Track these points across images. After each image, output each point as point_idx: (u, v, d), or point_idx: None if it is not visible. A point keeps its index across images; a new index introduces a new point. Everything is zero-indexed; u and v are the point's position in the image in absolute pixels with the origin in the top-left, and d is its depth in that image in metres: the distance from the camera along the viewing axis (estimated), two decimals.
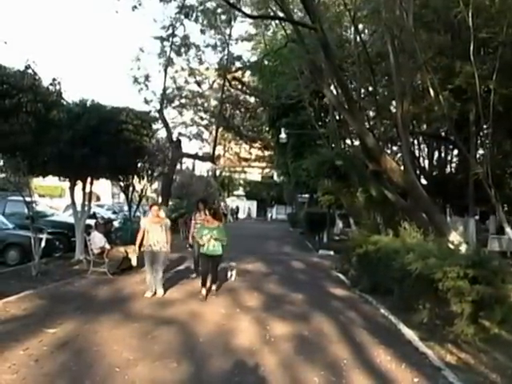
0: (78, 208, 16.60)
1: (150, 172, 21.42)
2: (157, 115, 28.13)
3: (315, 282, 14.32)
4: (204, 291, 10.90)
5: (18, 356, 6.43)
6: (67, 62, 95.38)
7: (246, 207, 70.45)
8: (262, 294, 11.62)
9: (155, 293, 11.01)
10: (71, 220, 17.36)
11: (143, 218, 14.51)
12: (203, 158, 42.01)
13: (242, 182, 71.32)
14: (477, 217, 25.75)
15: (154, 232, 10.98)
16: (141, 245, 11.12)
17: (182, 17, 29.55)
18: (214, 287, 11.54)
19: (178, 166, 36.50)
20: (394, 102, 18.64)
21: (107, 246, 13.94)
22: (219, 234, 11.06)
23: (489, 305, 7.58)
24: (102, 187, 36.81)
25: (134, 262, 13.71)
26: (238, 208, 65.83)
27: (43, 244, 13.50)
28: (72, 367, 6.14)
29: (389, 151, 24.82)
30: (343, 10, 20.07)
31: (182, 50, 32.01)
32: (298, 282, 13.98)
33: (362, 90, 22.19)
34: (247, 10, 27.24)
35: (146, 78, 31.75)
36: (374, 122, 21.35)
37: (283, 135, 27.33)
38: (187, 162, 47.12)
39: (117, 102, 17.10)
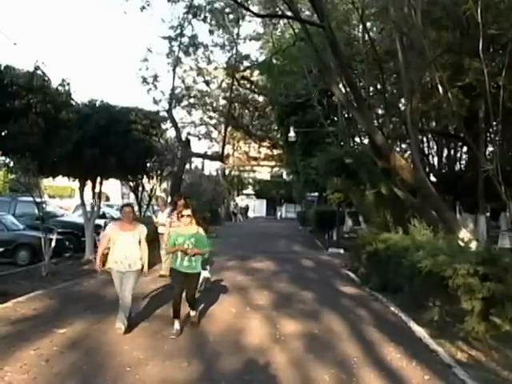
0: (88, 208, 16.68)
1: (159, 172, 21.47)
2: (166, 115, 28.18)
3: (325, 280, 14.32)
4: (177, 324, 7.85)
5: (29, 356, 6.48)
6: (76, 63, 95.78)
7: (255, 206, 70.42)
8: (271, 293, 11.64)
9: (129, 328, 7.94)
10: (81, 220, 17.46)
11: (155, 217, 14.50)
12: (212, 158, 42.05)
13: (251, 180, 71.31)
14: (487, 214, 25.60)
15: (123, 243, 7.93)
16: (104, 261, 8.10)
17: (190, 16, 29.57)
18: (193, 314, 8.48)
19: (187, 166, 36.57)
20: (402, 100, 18.57)
21: None
22: (199, 242, 8.08)
23: (500, 302, 7.55)
24: (112, 187, 36.89)
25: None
26: (247, 207, 65.89)
27: (53, 244, 13.59)
28: (82, 367, 6.18)
29: (398, 149, 24.68)
30: (351, 8, 20.00)
31: (191, 49, 31.99)
32: (308, 280, 13.99)
33: (371, 88, 22.11)
34: (255, 9, 27.20)
35: (155, 78, 31.74)
36: (382, 119, 21.21)
37: (292, 134, 27.27)
38: (196, 162, 47.26)
39: (126, 102, 17.23)
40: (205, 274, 10.76)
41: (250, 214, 65.22)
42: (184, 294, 8.07)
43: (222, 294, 11.14)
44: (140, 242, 8.13)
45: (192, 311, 8.53)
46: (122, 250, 7.95)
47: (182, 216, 8.54)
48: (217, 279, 12.76)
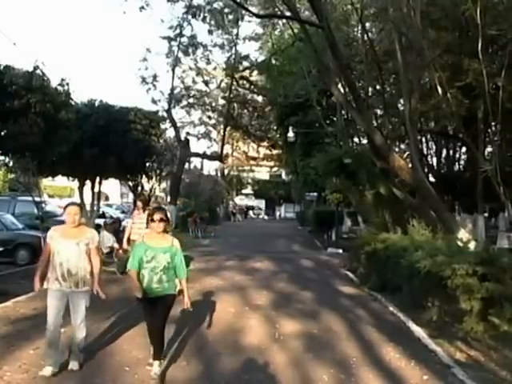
0: (87, 208, 16.68)
1: (158, 171, 21.50)
2: (165, 115, 28.22)
3: (324, 280, 14.33)
4: (157, 368, 5.86)
5: (28, 355, 6.48)
6: (76, 63, 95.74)
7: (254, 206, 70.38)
8: (271, 292, 11.64)
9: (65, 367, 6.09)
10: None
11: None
12: (211, 157, 42.07)
13: (250, 180, 71.30)
14: (486, 214, 25.63)
15: (65, 255, 6.00)
16: (43, 276, 6.14)
17: (190, 17, 29.62)
18: (155, 365, 5.90)
19: (186, 166, 36.61)
20: (401, 100, 18.58)
21: (116, 246, 13.98)
22: (175, 261, 6.11)
23: (498, 302, 7.58)
24: (111, 187, 36.94)
25: None
26: (247, 207, 65.88)
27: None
28: (81, 366, 6.17)
29: (397, 149, 24.72)
30: (350, 8, 20.03)
31: (190, 49, 32.06)
32: (307, 280, 13.99)
33: (370, 89, 22.13)
34: (254, 10, 27.23)
35: (154, 77, 31.81)
36: (381, 120, 21.26)
37: (291, 134, 27.33)
38: (195, 162, 47.26)
39: (125, 102, 17.23)
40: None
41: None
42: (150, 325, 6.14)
43: (220, 294, 11.14)
44: (90, 252, 6.19)
45: (154, 360, 5.98)
46: (65, 264, 5.97)
47: (153, 221, 6.01)
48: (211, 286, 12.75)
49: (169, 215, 13.74)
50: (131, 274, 6.06)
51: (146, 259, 5.92)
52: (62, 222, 6.60)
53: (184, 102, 36.56)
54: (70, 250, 6.04)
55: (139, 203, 11.49)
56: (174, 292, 6.23)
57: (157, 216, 6.03)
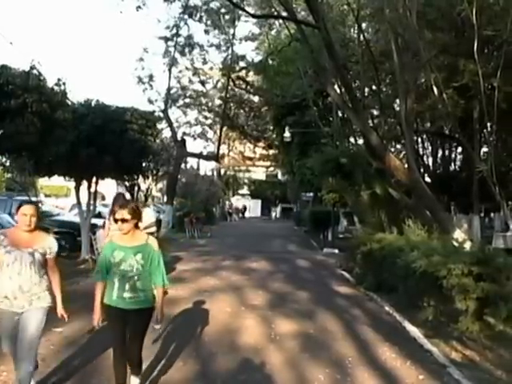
0: (84, 207, 16.66)
1: (154, 171, 21.49)
2: (161, 115, 28.23)
3: (320, 280, 14.35)
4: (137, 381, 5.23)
5: None
6: (72, 63, 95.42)
7: (250, 206, 70.33)
8: (267, 292, 11.65)
9: None
10: (77, 219, 17.42)
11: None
12: (207, 157, 42.11)
13: (246, 180, 71.31)
14: (482, 214, 25.73)
15: (16, 268, 4.79)
16: None
17: (186, 17, 29.63)
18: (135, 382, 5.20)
19: (183, 166, 36.61)
20: (397, 101, 18.63)
21: None
22: (150, 263, 5.03)
23: (493, 302, 7.60)
24: (108, 187, 36.87)
25: None
26: (245, 207, 65.90)
27: None
28: (78, 366, 6.18)
29: (393, 149, 24.81)
30: (347, 9, 20.08)
31: (186, 49, 32.07)
32: (303, 280, 14.01)
33: (366, 89, 22.21)
34: (251, 10, 27.27)
35: (151, 77, 31.81)
36: (377, 120, 21.30)
37: (287, 134, 27.37)
38: (192, 162, 47.22)
39: (121, 102, 17.21)
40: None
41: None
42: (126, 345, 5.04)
43: (217, 294, 11.15)
44: (46, 264, 5.02)
45: (134, 377, 5.21)
46: (16, 279, 4.77)
47: (116, 221, 5.06)
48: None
49: (150, 214, 12.84)
50: (96, 289, 4.99)
51: (114, 261, 4.88)
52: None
53: (180, 102, 36.59)
54: (21, 263, 4.78)
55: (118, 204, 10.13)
56: (151, 305, 5.06)
57: (118, 215, 4.96)
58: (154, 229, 12.68)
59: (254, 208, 69.98)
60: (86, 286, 11.64)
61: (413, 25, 13.27)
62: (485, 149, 21.10)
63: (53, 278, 5.11)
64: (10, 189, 22.04)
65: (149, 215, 12.97)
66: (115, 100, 71.93)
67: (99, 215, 21.07)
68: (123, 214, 4.97)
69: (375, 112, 23.20)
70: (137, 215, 5.13)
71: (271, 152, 52.25)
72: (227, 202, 59.75)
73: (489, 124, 15.73)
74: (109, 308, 4.95)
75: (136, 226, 5.12)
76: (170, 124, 31.76)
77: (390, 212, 16.28)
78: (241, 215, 63.08)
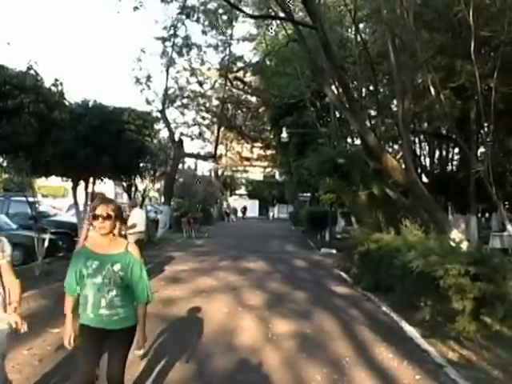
0: (81, 208, 16.66)
1: (152, 172, 21.50)
2: (159, 115, 28.20)
3: (317, 280, 14.36)
4: None
5: (22, 356, 6.46)
6: (69, 63, 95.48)
7: (247, 206, 70.39)
8: (264, 293, 11.66)
9: None
10: (74, 220, 17.43)
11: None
12: (205, 158, 42.13)
13: (243, 181, 71.33)
14: (479, 214, 25.77)
15: None
16: None
17: (184, 17, 29.62)
18: None
19: (180, 166, 36.60)
20: (395, 101, 18.66)
21: None
22: (130, 276, 4.23)
23: (490, 302, 7.62)
24: (105, 187, 36.85)
25: None
26: (245, 208, 65.88)
27: (46, 244, 13.55)
28: (75, 367, 6.17)
29: (390, 150, 24.85)
30: (344, 9, 20.09)
31: (184, 50, 32.06)
32: (301, 280, 14.02)
33: (363, 90, 22.21)
34: (248, 10, 27.29)
35: (148, 78, 31.80)
36: (375, 120, 21.34)
37: (285, 134, 27.42)
38: (189, 162, 47.24)
39: (119, 103, 17.29)
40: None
41: (239, 214, 64.96)
42: (105, 372, 4.30)
43: (214, 294, 11.15)
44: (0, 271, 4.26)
45: None
46: None
47: (96, 217, 4.20)
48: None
49: (137, 215, 12.72)
50: (65, 303, 4.33)
51: (87, 272, 4.09)
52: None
53: (178, 103, 36.55)
54: None
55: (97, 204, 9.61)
56: (133, 324, 4.30)
57: (100, 210, 4.18)
58: (138, 229, 12.57)
59: (251, 208, 69.99)
60: None
61: (410, 25, 13.29)
62: (482, 149, 21.15)
63: (10, 285, 4.33)
64: (7, 189, 22.02)
65: (133, 216, 12.95)
66: (113, 100, 71.99)
67: None
68: (107, 209, 4.18)
69: (372, 112, 23.24)
70: (122, 216, 4.39)
71: (269, 152, 52.28)
72: (224, 203, 59.77)
73: (486, 124, 15.76)
74: (84, 328, 4.19)
75: (121, 235, 4.35)
76: (168, 124, 31.76)
77: (388, 212, 16.30)
78: (241, 215, 63.17)
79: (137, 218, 12.65)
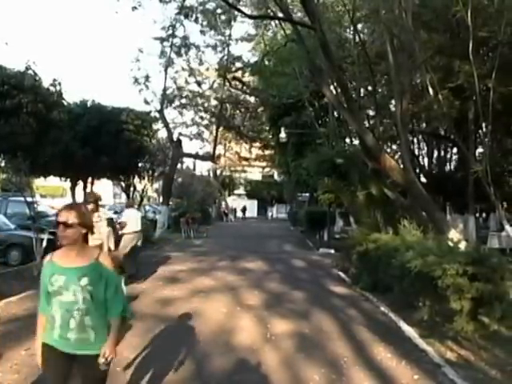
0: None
1: (150, 172, 21.53)
2: (157, 115, 28.17)
3: (316, 280, 14.36)
4: None
5: (20, 356, 6.45)
6: (68, 63, 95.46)
7: (246, 206, 70.52)
8: (262, 293, 11.66)
9: None
10: None
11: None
12: (204, 158, 42.09)
13: (242, 181, 71.36)
14: (477, 214, 25.82)
15: None
16: None
17: (182, 17, 29.57)
18: None
19: (179, 166, 36.58)
20: (393, 101, 18.68)
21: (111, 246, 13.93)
22: (102, 288, 3.60)
23: (488, 302, 7.63)
24: (103, 187, 36.88)
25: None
26: (245, 208, 65.89)
27: (45, 244, 13.55)
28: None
29: (388, 150, 24.89)
30: (342, 9, 20.11)
31: (182, 50, 31.99)
32: (299, 280, 14.02)
33: (362, 90, 22.22)
34: (247, 11, 27.27)
35: (147, 78, 31.71)
36: (373, 120, 21.38)
37: (283, 134, 27.44)
38: (188, 162, 47.25)
39: (117, 103, 17.35)
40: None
41: (239, 214, 64.98)
42: None
43: (213, 294, 11.15)
44: None
45: None
46: None
47: (57, 224, 3.59)
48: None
49: (128, 215, 12.61)
50: (38, 321, 3.85)
51: (52, 289, 3.53)
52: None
53: (176, 103, 36.49)
54: None
55: (91, 205, 9.53)
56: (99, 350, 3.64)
57: (61, 217, 3.56)
58: (130, 228, 12.59)
59: (250, 208, 70.01)
60: None
61: (408, 26, 13.30)
62: (480, 149, 21.20)
63: None
64: (5, 189, 22.00)
65: (124, 215, 12.97)
66: (111, 100, 71.94)
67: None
68: (69, 215, 3.55)
69: (371, 112, 23.29)
70: (87, 222, 3.67)
71: (267, 152, 52.34)
72: (223, 203, 59.77)
73: (484, 125, 15.78)
74: (48, 349, 3.65)
75: (85, 240, 3.69)
76: (166, 124, 31.71)
77: (386, 212, 16.31)
78: (242, 215, 63.23)
79: (127, 217, 12.75)
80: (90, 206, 9.41)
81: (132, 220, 12.91)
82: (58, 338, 3.58)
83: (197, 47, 32.83)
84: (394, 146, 26.91)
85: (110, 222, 16.99)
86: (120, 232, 12.42)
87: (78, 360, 3.62)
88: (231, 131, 46.23)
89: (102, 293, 3.57)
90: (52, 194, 38.89)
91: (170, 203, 32.89)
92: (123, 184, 21.65)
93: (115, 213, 30.37)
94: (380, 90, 22.41)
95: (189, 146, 62.24)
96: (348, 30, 22.62)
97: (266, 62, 28.76)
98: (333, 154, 19.00)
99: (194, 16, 29.58)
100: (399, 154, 22.76)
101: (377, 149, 14.58)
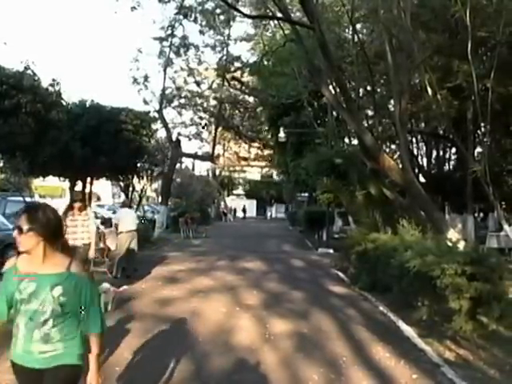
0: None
1: (149, 172, 21.52)
2: (156, 115, 28.17)
3: (315, 279, 14.37)
4: None
5: None
6: (67, 63, 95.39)
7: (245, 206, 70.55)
8: (261, 292, 11.66)
9: None
10: None
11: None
12: (203, 158, 42.09)
13: (241, 181, 71.37)
14: (476, 214, 25.84)
15: None
16: None
17: (181, 17, 29.57)
18: None
19: (178, 166, 36.59)
20: (392, 101, 18.69)
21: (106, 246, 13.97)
22: (76, 299, 3.14)
23: (487, 301, 7.62)
24: (103, 187, 36.82)
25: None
26: (244, 208, 65.93)
27: None
28: None
29: (387, 150, 24.89)
30: (341, 9, 20.11)
31: (181, 50, 31.99)
32: (298, 280, 14.03)
33: (361, 90, 22.23)
34: (246, 11, 27.30)
35: (145, 78, 31.70)
36: (372, 120, 21.38)
37: (282, 134, 27.43)
38: (187, 162, 47.23)
39: (116, 103, 17.34)
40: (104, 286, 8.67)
41: (240, 214, 65.01)
42: None
43: (211, 294, 11.16)
44: None
45: None
46: None
47: (20, 230, 3.13)
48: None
49: (119, 215, 13.15)
50: None
51: (21, 297, 3.07)
52: None
53: (175, 103, 36.50)
54: None
55: (77, 204, 9.57)
56: (77, 362, 3.25)
57: (18, 221, 3.15)
58: (122, 228, 12.65)
59: (249, 208, 70.05)
60: None
61: (407, 26, 13.31)
62: (479, 149, 21.20)
63: None
64: (4, 189, 21.96)
65: (116, 215, 13.03)
66: (110, 100, 71.95)
67: (95, 216, 21.07)
68: (25, 221, 3.10)
69: (370, 112, 23.27)
70: (46, 229, 3.10)
71: (266, 152, 52.33)
72: (222, 203, 59.78)
73: (482, 124, 15.81)
74: (15, 369, 3.27)
75: (64, 248, 3.27)
76: (165, 124, 31.71)
77: (385, 212, 16.32)
78: (242, 215, 63.29)
79: (119, 217, 12.86)
80: (77, 205, 9.60)
81: (125, 219, 13.00)
82: (22, 352, 3.14)
83: (196, 47, 32.88)
84: (393, 146, 26.92)
85: (109, 222, 17.10)
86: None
87: (44, 375, 3.15)
88: (230, 131, 46.23)
89: (76, 305, 3.14)
90: (51, 194, 38.73)
91: (169, 203, 32.88)
92: (122, 184, 21.64)
93: (114, 212, 30.47)
94: (379, 90, 22.41)
95: (188, 146, 62.18)
96: (347, 30, 22.63)
97: (265, 62, 28.75)
98: (332, 154, 19.00)
99: (193, 16, 29.58)
100: (398, 153, 22.78)
101: (376, 149, 14.59)
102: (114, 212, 30.67)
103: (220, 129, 40.42)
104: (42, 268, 3.10)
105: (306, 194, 40.70)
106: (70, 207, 9.69)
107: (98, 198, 38.03)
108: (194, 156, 40.30)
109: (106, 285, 8.86)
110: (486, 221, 28.31)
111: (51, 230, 3.13)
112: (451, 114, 16.39)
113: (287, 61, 23.48)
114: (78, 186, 16.92)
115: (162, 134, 31.64)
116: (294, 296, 11.48)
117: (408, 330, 8.37)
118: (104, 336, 3.42)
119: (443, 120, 17.51)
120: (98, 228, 13.38)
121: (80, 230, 9.63)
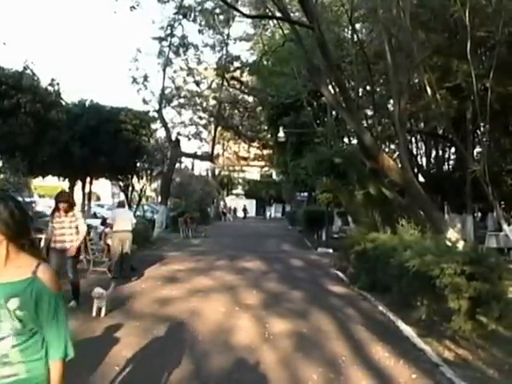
0: (78, 208, 16.65)
1: (149, 171, 21.52)
2: (156, 115, 28.16)
3: (314, 279, 14.36)
4: None
5: None
6: (66, 63, 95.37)
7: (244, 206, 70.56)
8: (261, 292, 11.66)
9: None
10: None
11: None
12: (202, 158, 42.05)
13: (240, 180, 71.35)
14: (475, 214, 25.85)
15: None
16: None
17: (180, 17, 29.57)
18: None
19: (177, 166, 36.58)
20: (391, 101, 18.70)
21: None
22: (38, 312, 2.49)
23: (486, 301, 7.63)
24: (102, 187, 36.85)
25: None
26: (245, 207, 65.91)
27: (42, 244, 13.54)
28: (71, 366, 6.17)
29: (387, 149, 24.89)
30: (341, 9, 20.11)
31: (181, 50, 31.98)
32: (297, 280, 14.02)
33: (360, 89, 22.24)
34: (245, 10, 27.29)
35: (145, 78, 31.70)
36: (371, 120, 21.39)
37: (281, 134, 27.40)
38: (186, 162, 47.21)
39: (116, 102, 17.35)
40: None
41: (240, 214, 65.01)
42: None
43: (211, 294, 11.16)
44: None
45: None
46: None
47: None
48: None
49: (113, 215, 13.39)
50: None
51: None
52: None
53: (175, 102, 36.51)
54: None
55: (62, 204, 9.20)
56: (43, 375, 2.60)
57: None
58: (115, 227, 12.67)
59: (248, 208, 70.07)
60: (80, 287, 11.69)
61: (406, 26, 13.32)
62: (478, 149, 21.26)
63: None
64: (3, 189, 21.95)
65: (111, 215, 13.04)
66: (110, 100, 71.91)
67: (94, 215, 21.09)
68: None
69: (369, 112, 23.27)
70: (8, 223, 2.49)
71: (265, 152, 52.36)
72: (221, 202, 59.77)
73: (482, 124, 15.84)
74: None
75: (32, 248, 2.68)
76: (165, 124, 31.69)
77: (384, 212, 16.33)
78: (243, 215, 63.32)
79: (113, 217, 12.88)
80: (62, 206, 9.23)
81: (118, 219, 13.00)
82: None
83: (195, 47, 32.87)
84: (392, 146, 26.92)
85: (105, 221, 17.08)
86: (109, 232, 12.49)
87: None
88: (230, 131, 46.24)
89: (36, 318, 2.54)
90: (50, 194, 38.76)
91: (169, 203, 32.88)
92: (121, 184, 21.64)
93: None
94: (378, 90, 22.42)
95: (187, 146, 62.19)
96: (346, 30, 22.64)
97: (265, 62, 28.76)
98: (331, 154, 19.01)
99: (192, 16, 29.60)
100: (397, 153, 22.77)
101: (375, 148, 14.59)
102: None
103: (219, 128, 40.41)
104: (2, 274, 2.48)
105: (306, 194, 40.66)
106: (56, 208, 9.23)
107: (98, 198, 38.07)
108: (194, 156, 40.27)
109: (98, 289, 8.66)
110: (485, 220, 28.35)
111: (15, 226, 2.53)
112: (450, 114, 16.41)
113: (286, 60, 23.50)
114: (78, 186, 16.92)
115: (161, 133, 31.69)
116: (293, 296, 11.48)
117: (407, 330, 8.38)
118: (67, 365, 2.76)
119: (442, 120, 17.53)
120: (89, 227, 13.32)
121: (68, 232, 9.24)
